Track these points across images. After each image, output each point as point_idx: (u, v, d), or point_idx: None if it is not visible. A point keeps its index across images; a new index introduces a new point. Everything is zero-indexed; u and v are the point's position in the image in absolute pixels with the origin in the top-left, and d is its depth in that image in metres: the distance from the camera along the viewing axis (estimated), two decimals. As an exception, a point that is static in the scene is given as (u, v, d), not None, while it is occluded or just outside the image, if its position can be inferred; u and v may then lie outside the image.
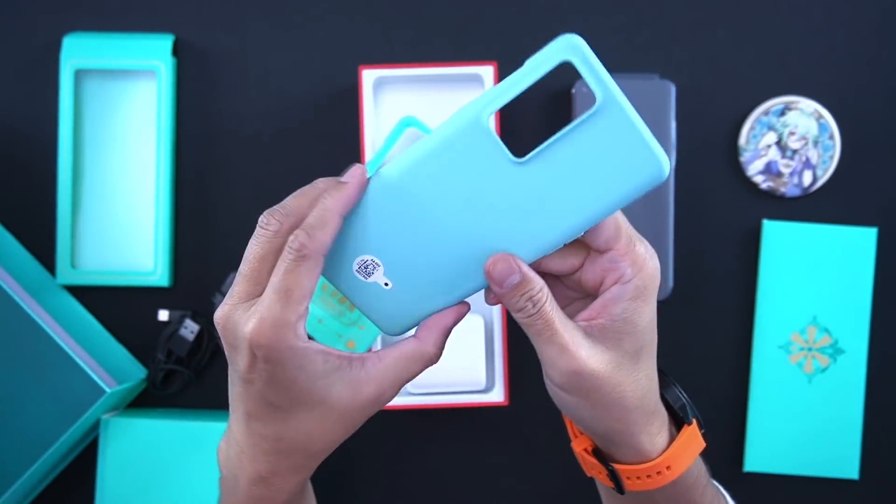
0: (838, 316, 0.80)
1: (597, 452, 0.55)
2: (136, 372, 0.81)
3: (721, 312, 0.82)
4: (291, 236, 0.47)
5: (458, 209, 0.48)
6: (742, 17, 0.82)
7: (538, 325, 0.48)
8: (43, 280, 0.80)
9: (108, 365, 0.77)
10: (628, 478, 0.54)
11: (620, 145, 0.47)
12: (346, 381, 0.49)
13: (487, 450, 0.83)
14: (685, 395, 0.55)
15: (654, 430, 0.53)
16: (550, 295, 0.49)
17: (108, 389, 0.74)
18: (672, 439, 0.54)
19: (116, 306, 0.82)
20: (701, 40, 0.82)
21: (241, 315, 0.47)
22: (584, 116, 0.47)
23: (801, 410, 0.80)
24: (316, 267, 0.47)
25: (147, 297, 0.82)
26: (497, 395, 0.78)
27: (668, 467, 0.53)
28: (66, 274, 0.80)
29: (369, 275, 0.50)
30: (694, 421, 0.55)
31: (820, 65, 0.82)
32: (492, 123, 0.48)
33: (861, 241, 0.80)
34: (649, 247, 0.50)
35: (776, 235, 0.81)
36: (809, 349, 0.81)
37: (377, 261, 0.50)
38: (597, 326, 0.49)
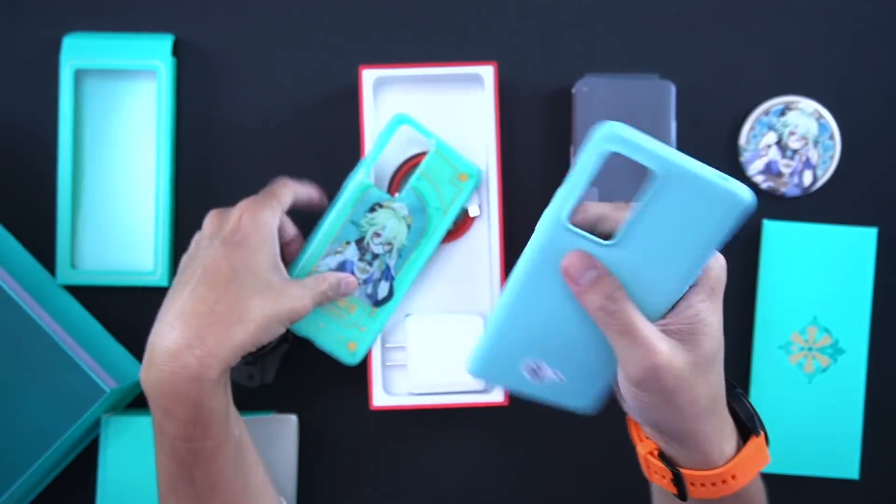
0: (838, 316, 0.80)
1: (662, 457, 0.55)
2: (136, 372, 0.81)
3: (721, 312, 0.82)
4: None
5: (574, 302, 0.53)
6: (742, 17, 0.82)
7: (618, 323, 0.50)
8: (43, 280, 0.80)
9: (108, 365, 0.77)
10: (692, 484, 0.54)
11: (697, 197, 0.50)
12: (279, 288, 0.63)
13: (487, 450, 0.83)
14: (753, 407, 0.55)
15: (724, 437, 0.53)
16: (626, 297, 0.50)
17: (108, 389, 0.74)
18: (738, 450, 0.54)
19: (116, 306, 0.82)
20: (701, 40, 0.82)
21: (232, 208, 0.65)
22: (651, 191, 0.49)
23: (801, 410, 0.80)
24: (289, 190, 0.69)
25: (147, 297, 0.82)
26: (497, 396, 0.78)
27: (733, 476, 0.53)
28: (66, 274, 0.80)
29: (543, 377, 0.56)
30: (762, 434, 0.55)
31: (820, 65, 0.82)
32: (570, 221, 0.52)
33: (861, 241, 0.80)
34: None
35: (776, 235, 0.81)
36: (809, 349, 0.81)
37: (538, 362, 0.56)
38: (673, 331, 0.51)
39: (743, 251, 0.82)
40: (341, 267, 0.71)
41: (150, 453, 0.77)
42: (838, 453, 0.80)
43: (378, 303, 0.73)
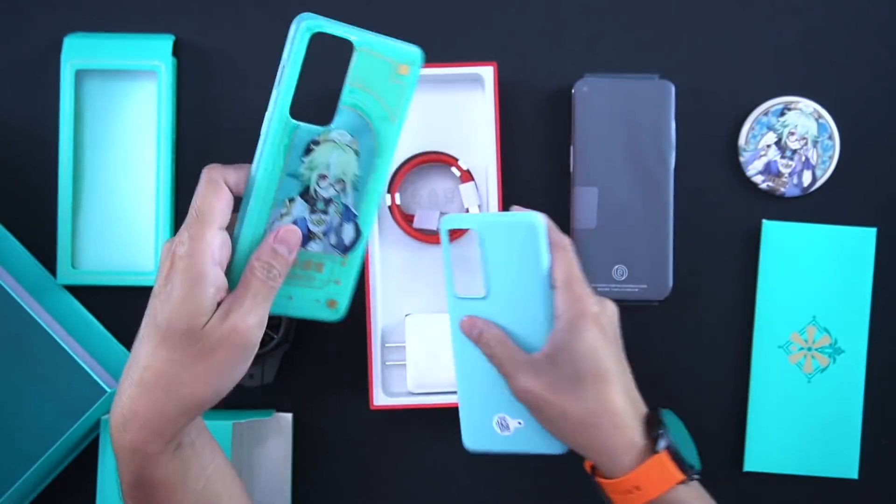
0: (838, 316, 0.80)
1: (594, 470, 0.63)
2: (136, 372, 0.81)
3: (721, 312, 0.82)
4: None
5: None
6: (742, 17, 0.82)
7: (494, 361, 0.62)
8: (43, 280, 0.80)
9: (108, 365, 0.77)
10: (610, 492, 0.61)
11: (507, 238, 0.62)
12: (206, 340, 0.53)
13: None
14: (668, 433, 0.61)
15: (622, 450, 0.59)
16: (502, 339, 0.62)
17: (108, 389, 0.74)
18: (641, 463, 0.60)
19: (116, 306, 0.82)
20: (701, 40, 0.82)
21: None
22: (479, 248, 0.63)
23: (800, 410, 0.81)
24: (219, 188, 0.55)
25: (147, 297, 0.81)
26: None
27: (637, 487, 0.59)
28: (66, 274, 0.80)
29: (511, 429, 0.65)
30: (664, 451, 0.59)
31: (820, 65, 0.82)
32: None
33: (861, 241, 0.80)
34: (590, 292, 0.61)
35: (776, 235, 0.81)
36: (809, 349, 0.81)
37: (501, 414, 0.65)
38: (543, 356, 0.60)
39: (743, 251, 0.82)
40: None
41: (151, 453, 0.78)
42: (838, 453, 0.81)
43: (347, 248, 0.61)
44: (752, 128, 0.81)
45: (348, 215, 0.60)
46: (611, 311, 0.62)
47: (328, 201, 0.60)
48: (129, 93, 0.81)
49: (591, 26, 0.82)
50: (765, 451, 0.81)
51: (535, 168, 0.81)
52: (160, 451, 0.54)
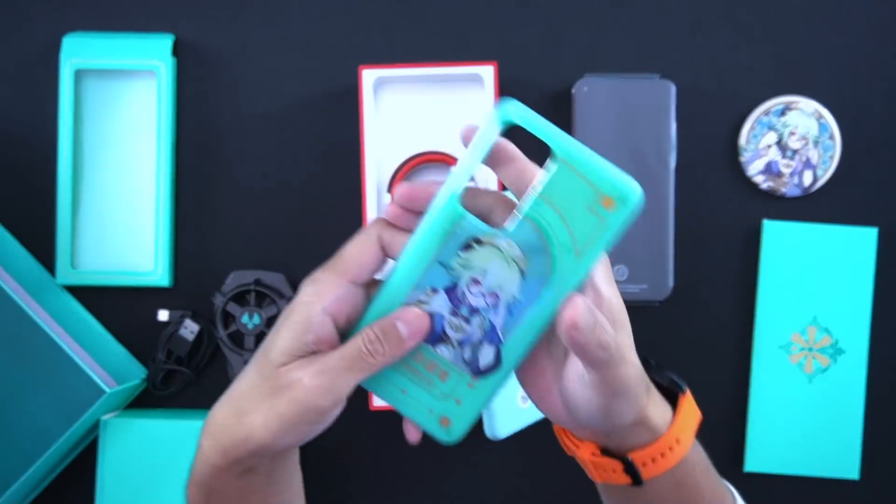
0: (838, 316, 0.80)
1: (606, 453, 0.55)
2: (135, 372, 0.81)
3: (721, 312, 0.82)
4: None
5: None
6: (742, 17, 0.82)
7: (614, 357, 0.49)
8: (43, 280, 0.80)
9: (107, 365, 0.77)
10: (644, 464, 0.54)
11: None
12: (276, 381, 0.51)
13: (487, 450, 0.83)
14: (670, 372, 0.56)
15: (657, 402, 0.54)
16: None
17: (107, 389, 0.74)
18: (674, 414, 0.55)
19: (116, 306, 0.82)
20: (701, 40, 0.82)
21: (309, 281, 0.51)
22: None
23: (801, 410, 0.80)
24: (368, 242, 0.51)
25: (147, 297, 0.82)
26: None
27: (677, 441, 0.54)
28: (66, 274, 0.80)
29: (526, 399, 0.57)
30: (688, 391, 0.56)
31: (820, 65, 0.82)
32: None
33: (861, 241, 0.80)
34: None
35: (776, 235, 0.80)
36: (810, 349, 0.80)
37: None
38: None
39: (743, 251, 0.82)
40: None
41: (149, 455, 0.77)
42: (838, 453, 0.80)
43: (479, 372, 0.53)
44: (752, 128, 0.81)
45: (493, 337, 0.53)
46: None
47: (474, 310, 0.52)
48: (129, 93, 0.81)
49: (591, 26, 0.82)
50: (765, 452, 0.81)
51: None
52: (221, 464, 0.52)
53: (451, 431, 0.55)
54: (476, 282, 0.51)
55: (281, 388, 0.50)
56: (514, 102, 0.47)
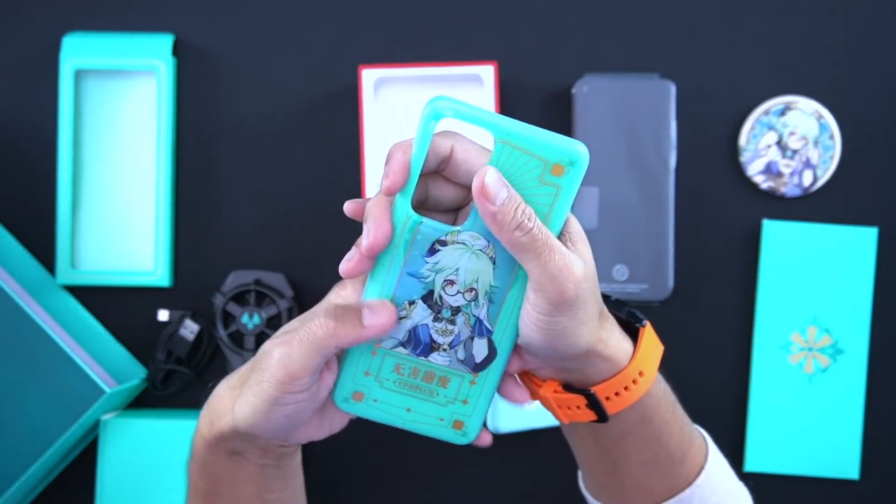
0: (838, 316, 0.80)
1: (568, 388, 0.54)
2: (135, 372, 0.81)
3: (721, 312, 0.82)
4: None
5: None
6: (742, 17, 0.82)
7: (539, 241, 0.47)
8: (43, 280, 0.80)
9: (107, 365, 0.77)
10: (607, 398, 0.53)
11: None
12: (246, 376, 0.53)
13: (487, 451, 0.83)
14: (627, 303, 0.56)
15: (615, 333, 0.53)
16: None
17: (107, 389, 0.74)
18: (634, 346, 0.54)
19: (116, 306, 0.82)
20: (701, 40, 0.82)
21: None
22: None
23: (801, 410, 0.80)
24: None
25: (147, 297, 0.82)
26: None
27: (640, 373, 0.53)
28: (66, 274, 0.80)
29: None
30: (647, 323, 0.55)
31: (820, 65, 0.82)
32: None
33: (861, 241, 0.80)
34: None
35: (776, 235, 0.80)
36: (810, 349, 0.80)
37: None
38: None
39: (743, 251, 0.82)
40: (414, 335, 0.52)
41: (149, 455, 0.77)
42: (838, 453, 0.80)
43: (478, 366, 0.53)
44: (752, 128, 0.81)
45: (481, 330, 0.52)
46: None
47: (456, 310, 0.52)
48: (129, 92, 0.81)
49: (591, 26, 0.82)
50: (765, 452, 0.81)
51: (536, 168, 0.81)
52: (208, 436, 0.55)
53: (467, 432, 0.55)
54: (450, 282, 0.51)
55: (257, 362, 0.51)
56: (442, 97, 0.47)
